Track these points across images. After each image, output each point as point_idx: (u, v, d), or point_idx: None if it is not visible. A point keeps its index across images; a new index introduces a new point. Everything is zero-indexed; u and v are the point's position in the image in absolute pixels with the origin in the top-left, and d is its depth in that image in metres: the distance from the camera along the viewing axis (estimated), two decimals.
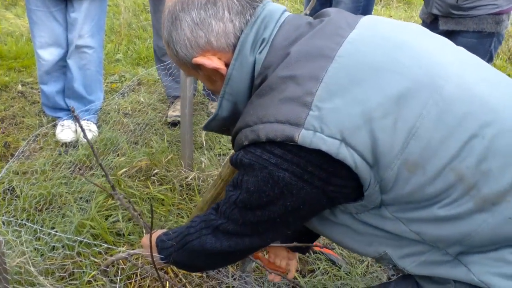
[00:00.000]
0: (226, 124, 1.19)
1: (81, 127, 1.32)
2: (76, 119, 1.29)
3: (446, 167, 1.01)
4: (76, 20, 2.99)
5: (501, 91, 1.11)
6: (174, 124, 3.34)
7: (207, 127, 1.23)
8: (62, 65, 3.15)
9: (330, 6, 3.10)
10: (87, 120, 3.21)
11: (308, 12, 1.34)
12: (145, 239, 1.45)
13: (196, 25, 1.12)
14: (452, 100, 1.03)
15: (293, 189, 1.04)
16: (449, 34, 2.60)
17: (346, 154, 0.99)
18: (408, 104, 1.01)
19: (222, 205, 1.20)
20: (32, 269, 1.63)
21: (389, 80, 1.02)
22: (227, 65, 1.14)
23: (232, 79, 1.13)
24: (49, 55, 3.08)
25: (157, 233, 1.43)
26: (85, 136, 1.39)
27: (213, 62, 1.14)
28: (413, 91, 1.02)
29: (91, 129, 3.16)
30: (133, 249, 2.17)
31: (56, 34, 3.03)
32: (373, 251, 1.17)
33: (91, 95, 3.22)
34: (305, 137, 0.98)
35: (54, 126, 3.23)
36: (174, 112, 3.37)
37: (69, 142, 3.11)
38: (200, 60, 1.15)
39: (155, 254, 1.37)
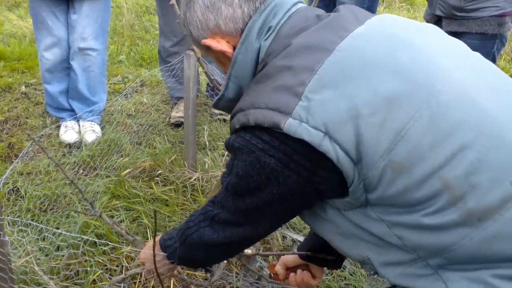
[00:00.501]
0: (232, 106, 1.20)
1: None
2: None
3: (433, 174, 0.99)
4: (77, 22, 3.00)
5: (508, 103, 1.06)
6: (178, 125, 3.35)
7: (216, 105, 1.26)
8: (65, 66, 3.16)
9: (334, 6, 3.11)
10: (91, 121, 3.22)
11: None
12: (143, 254, 1.48)
13: (207, 8, 1.17)
14: (448, 106, 1.01)
15: (279, 176, 1.05)
16: (452, 36, 2.60)
17: (329, 147, 0.99)
18: (400, 105, 1.00)
19: (218, 195, 1.23)
20: (37, 268, 1.64)
21: (384, 79, 1.01)
22: (235, 48, 1.18)
23: (238, 63, 1.16)
24: (51, 54, 3.10)
25: (156, 239, 1.44)
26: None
27: (221, 45, 1.18)
28: (407, 93, 1.01)
29: (94, 130, 3.16)
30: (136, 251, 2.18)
31: (58, 34, 3.04)
32: (357, 254, 1.17)
33: (94, 97, 3.22)
34: (291, 125, 1.00)
35: (58, 127, 3.24)
36: (177, 113, 3.38)
37: (72, 143, 3.12)
38: (208, 42, 1.19)
39: (161, 253, 1.38)
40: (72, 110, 3.27)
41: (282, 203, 1.11)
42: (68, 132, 3.16)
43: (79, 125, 3.24)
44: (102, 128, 3.25)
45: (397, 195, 1.02)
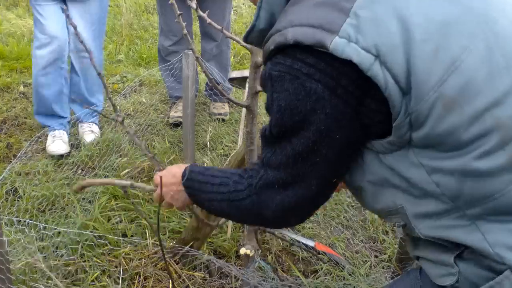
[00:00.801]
0: (263, 37, 1.11)
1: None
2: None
3: (486, 112, 0.91)
4: (76, 19, 2.87)
5: None
6: (176, 124, 3.35)
7: (246, 39, 1.18)
8: (59, 67, 2.99)
9: None
10: (90, 122, 3.19)
11: None
12: (159, 176, 1.34)
13: None
14: (505, 38, 0.93)
15: (326, 106, 0.96)
16: None
17: (378, 72, 0.91)
18: (453, 33, 0.92)
19: (259, 157, 1.17)
20: (43, 265, 1.63)
21: (437, 3, 0.94)
22: None
23: None
24: (44, 53, 2.93)
25: (180, 166, 1.34)
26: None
27: None
28: (461, 20, 0.93)
29: (93, 130, 3.15)
30: (138, 243, 2.18)
31: (52, 33, 2.90)
32: (388, 204, 1.08)
33: (92, 98, 3.19)
34: (338, 44, 0.91)
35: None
36: (176, 113, 3.37)
37: (59, 155, 2.94)
38: None
39: (175, 183, 1.30)
40: (61, 117, 3.10)
41: (329, 143, 1.01)
42: (56, 142, 2.97)
43: (67, 134, 3.10)
44: (100, 128, 3.24)
45: (445, 135, 0.94)
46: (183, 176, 1.28)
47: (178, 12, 1.45)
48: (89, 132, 3.12)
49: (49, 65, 2.95)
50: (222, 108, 3.58)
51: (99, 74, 1.58)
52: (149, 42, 4.96)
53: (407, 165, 1.01)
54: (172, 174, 1.31)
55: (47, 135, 3.07)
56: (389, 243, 2.48)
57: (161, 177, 1.31)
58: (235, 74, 2.38)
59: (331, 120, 0.97)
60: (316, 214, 2.69)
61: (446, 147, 0.96)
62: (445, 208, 1.01)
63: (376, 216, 2.67)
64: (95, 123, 3.23)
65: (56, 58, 2.95)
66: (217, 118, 3.52)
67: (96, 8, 2.98)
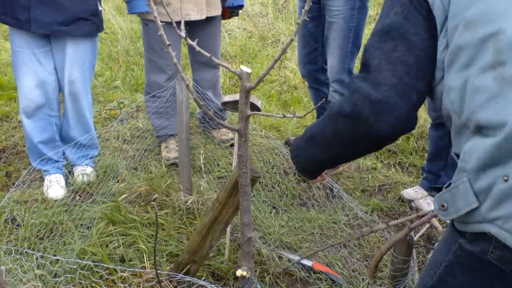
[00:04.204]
0: None
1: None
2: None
3: (491, 37, 1.07)
4: (62, 65, 2.83)
5: None
6: (174, 164, 3.25)
7: None
8: (47, 114, 2.92)
9: (323, 28, 3.17)
10: (85, 165, 3.10)
11: (293, 38, 1.38)
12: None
13: None
14: None
15: (405, 9, 1.21)
16: None
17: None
18: None
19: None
20: None
21: None
22: None
23: None
24: (31, 101, 2.84)
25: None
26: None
27: None
28: None
29: (87, 173, 3.03)
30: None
31: (40, 78, 2.81)
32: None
33: (90, 140, 3.07)
34: None
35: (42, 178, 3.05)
36: (169, 153, 3.30)
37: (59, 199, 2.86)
38: None
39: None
40: (57, 161, 3.05)
41: (405, 27, 1.20)
42: (53, 187, 2.91)
43: (64, 178, 3.05)
44: (98, 154, 3.25)
45: (459, 50, 1.15)
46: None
47: (168, 42, 1.50)
48: (84, 175, 3.02)
49: (36, 111, 2.89)
50: (228, 133, 3.59)
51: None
52: None
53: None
54: None
55: (43, 179, 3.01)
56: (386, 261, 2.50)
57: None
58: (227, 98, 2.42)
59: (406, 22, 1.21)
60: (313, 234, 2.72)
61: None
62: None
63: (371, 235, 2.69)
64: (91, 166, 3.13)
65: (43, 105, 2.89)
66: (228, 145, 3.53)
67: (86, 48, 2.85)
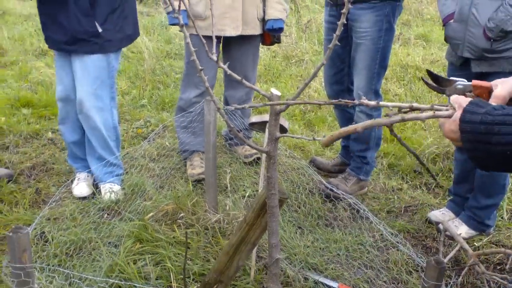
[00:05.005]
0: None
1: None
2: None
3: None
4: (77, 78, 2.94)
5: None
6: (199, 180, 3.29)
7: None
8: (77, 118, 3.07)
9: (350, 49, 3.18)
10: (111, 182, 3.14)
11: (325, 62, 1.40)
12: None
13: None
14: None
15: None
16: (482, 75, 2.60)
17: None
18: None
19: None
20: None
21: None
22: None
23: None
24: (62, 106, 3.09)
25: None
26: None
27: None
28: None
29: (114, 190, 3.09)
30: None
31: (65, 85, 3.01)
32: None
33: (111, 156, 3.13)
34: None
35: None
36: (194, 169, 3.35)
37: (83, 197, 3.07)
38: None
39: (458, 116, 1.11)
40: (86, 160, 3.21)
41: None
42: (80, 185, 3.13)
43: (92, 178, 3.21)
44: (126, 173, 3.30)
45: None
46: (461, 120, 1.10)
47: (200, 67, 1.53)
48: (110, 192, 3.07)
49: (67, 115, 3.11)
50: (250, 149, 3.62)
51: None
52: (171, 87, 5.11)
53: None
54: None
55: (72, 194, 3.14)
56: (413, 283, 2.46)
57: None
58: (255, 119, 2.44)
59: None
60: (339, 255, 2.70)
61: None
62: None
63: (399, 256, 2.66)
64: (117, 183, 3.17)
65: (71, 110, 3.08)
66: (250, 160, 3.56)
67: (100, 63, 2.92)
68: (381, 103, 1.28)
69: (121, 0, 2.92)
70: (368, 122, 1.25)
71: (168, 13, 3.18)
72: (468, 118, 1.07)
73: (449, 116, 1.15)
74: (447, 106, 1.21)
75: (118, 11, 2.91)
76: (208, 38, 3.07)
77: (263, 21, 3.33)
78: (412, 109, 1.24)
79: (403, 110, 1.26)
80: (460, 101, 1.13)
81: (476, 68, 2.63)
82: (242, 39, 3.29)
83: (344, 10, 1.26)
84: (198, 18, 3.13)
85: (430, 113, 1.19)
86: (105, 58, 2.94)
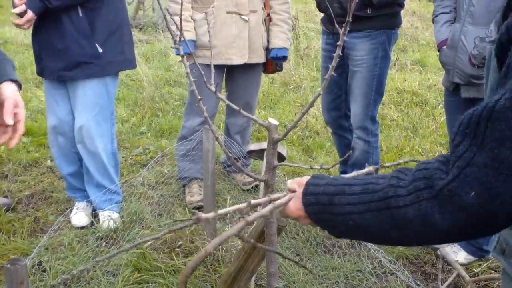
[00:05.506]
0: None
1: None
2: None
3: None
4: (74, 107, 2.95)
5: None
6: (198, 208, 3.29)
7: None
8: (71, 151, 3.09)
9: (347, 76, 3.22)
10: (109, 210, 3.13)
11: (322, 92, 1.42)
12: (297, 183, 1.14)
13: None
14: None
15: None
16: (471, 101, 2.64)
17: None
18: None
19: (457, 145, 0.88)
20: None
21: None
22: None
23: None
24: (54, 139, 3.07)
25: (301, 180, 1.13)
26: None
27: None
28: None
29: (112, 218, 3.07)
30: None
31: (59, 118, 3.00)
32: None
33: (110, 183, 3.13)
34: None
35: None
36: (192, 196, 3.35)
37: (81, 227, 3.05)
38: None
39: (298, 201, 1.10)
40: (85, 190, 3.18)
41: None
42: (79, 214, 3.12)
43: (91, 207, 3.19)
44: (124, 201, 3.30)
45: None
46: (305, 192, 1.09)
47: (199, 97, 1.56)
48: (108, 220, 3.06)
49: (61, 148, 3.09)
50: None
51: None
52: (170, 114, 5.14)
53: None
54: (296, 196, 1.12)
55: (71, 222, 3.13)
56: None
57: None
58: (253, 146, 2.46)
59: None
60: (338, 282, 2.69)
61: None
62: None
63: (397, 283, 2.65)
64: (115, 211, 3.16)
65: (66, 143, 3.07)
66: (249, 188, 3.57)
67: (98, 90, 2.94)
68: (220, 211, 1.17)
69: (120, 23, 2.95)
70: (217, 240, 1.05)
71: (182, 41, 3.23)
72: (311, 190, 1.07)
73: (289, 201, 1.14)
74: (284, 193, 1.19)
75: (118, 33, 2.94)
76: (215, 66, 3.16)
77: (267, 49, 3.42)
78: (252, 206, 1.12)
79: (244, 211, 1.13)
80: (299, 180, 1.14)
81: (465, 93, 2.68)
82: (247, 67, 3.38)
83: (339, 43, 1.28)
84: (205, 48, 3.21)
85: (270, 205, 1.14)
86: (103, 83, 2.96)
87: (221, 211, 1.16)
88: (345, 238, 1.07)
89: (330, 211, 1.02)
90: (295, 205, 1.11)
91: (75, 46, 2.82)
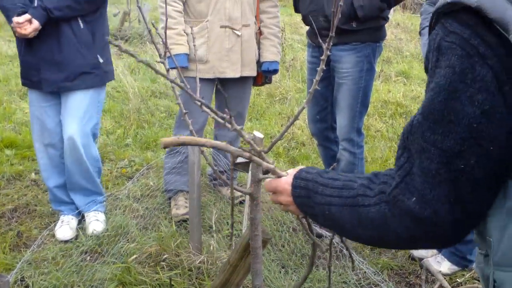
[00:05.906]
0: None
1: None
2: None
3: None
4: (64, 117, 2.97)
5: None
6: (183, 220, 3.28)
7: None
8: (60, 162, 3.11)
9: (332, 88, 3.25)
10: (95, 210, 3.17)
11: (306, 106, 1.43)
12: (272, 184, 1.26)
13: None
14: None
15: (486, 101, 0.82)
16: None
17: None
18: None
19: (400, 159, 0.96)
20: None
21: None
22: None
23: None
24: (43, 152, 3.08)
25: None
26: None
27: None
28: None
29: (98, 219, 3.11)
30: None
31: (48, 130, 3.02)
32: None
33: (94, 187, 3.19)
34: None
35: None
36: (178, 209, 3.34)
37: (65, 241, 3.03)
38: None
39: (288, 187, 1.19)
40: (72, 203, 3.20)
41: (479, 134, 0.84)
42: (63, 228, 3.10)
43: (76, 221, 3.18)
44: (108, 212, 3.28)
45: None
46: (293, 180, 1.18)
47: (185, 111, 1.56)
48: (95, 221, 3.11)
49: (48, 160, 3.10)
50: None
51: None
52: (156, 126, 5.13)
53: None
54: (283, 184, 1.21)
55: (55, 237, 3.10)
56: None
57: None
58: (239, 159, 2.47)
59: (485, 120, 0.82)
60: None
61: None
62: None
63: None
64: (101, 211, 3.22)
65: (55, 155, 3.10)
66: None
67: (88, 100, 2.97)
68: None
69: (108, 34, 3.05)
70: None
71: (168, 57, 3.22)
72: (303, 176, 1.16)
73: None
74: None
75: (107, 44, 3.03)
76: (207, 80, 3.26)
77: (258, 62, 3.47)
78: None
79: None
80: (289, 171, 1.24)
81: None
82: (239, 80, 3.41)
83: (323, 57, 1.30)
84: (199, 62, 3.23)
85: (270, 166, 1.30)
86: (98, 92, 3.04)
87: None
88: (325, 227, 1.32)
89: (313, 198, 1.11)
90: (286, 182, 1.20)
91: (78, 56, 2.87)
